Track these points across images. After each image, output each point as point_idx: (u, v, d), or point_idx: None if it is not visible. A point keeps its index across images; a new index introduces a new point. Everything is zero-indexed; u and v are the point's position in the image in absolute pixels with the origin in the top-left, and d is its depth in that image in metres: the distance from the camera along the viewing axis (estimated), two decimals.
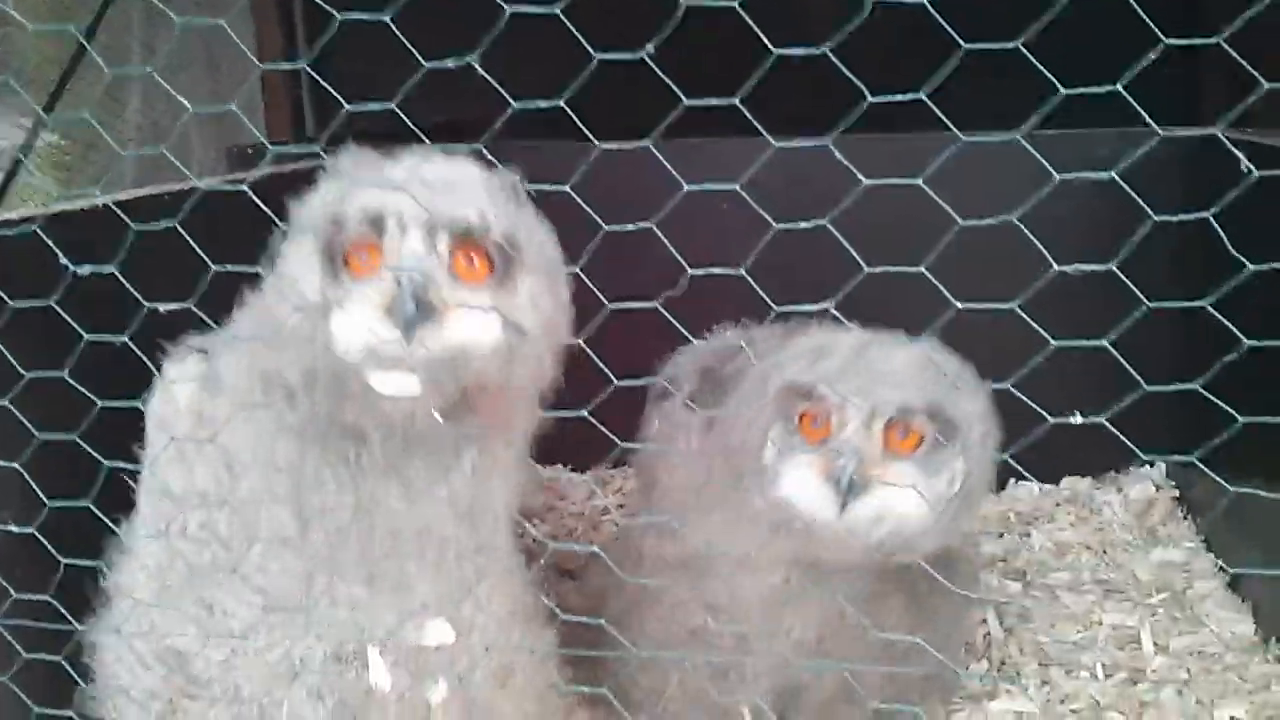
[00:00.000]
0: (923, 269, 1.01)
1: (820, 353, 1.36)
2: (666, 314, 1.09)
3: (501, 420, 1.23)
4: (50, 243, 1.24)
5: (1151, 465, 2.64)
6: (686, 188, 1.04)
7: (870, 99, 0.98)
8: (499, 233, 1.13)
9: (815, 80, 1.14)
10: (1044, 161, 1.01)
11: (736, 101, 1.01)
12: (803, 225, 1.04)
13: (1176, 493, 2.55)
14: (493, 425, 1.22)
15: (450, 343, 1.10)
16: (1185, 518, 2.46)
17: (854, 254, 1.01)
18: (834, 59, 0.97)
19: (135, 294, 1.18)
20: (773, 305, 1.12)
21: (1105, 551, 2.33)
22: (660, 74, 1.05)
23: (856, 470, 1.27)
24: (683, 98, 1.02)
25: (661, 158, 1.10)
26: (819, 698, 1.52)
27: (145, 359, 1.26)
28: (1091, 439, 1.19)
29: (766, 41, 0.98)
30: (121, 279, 1.18)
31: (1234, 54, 0.98)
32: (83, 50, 2.58)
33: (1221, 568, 2.20)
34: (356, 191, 1.12)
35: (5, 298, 1.28)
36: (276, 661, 1.25)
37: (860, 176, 1.01)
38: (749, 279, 1.05)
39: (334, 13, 1.14)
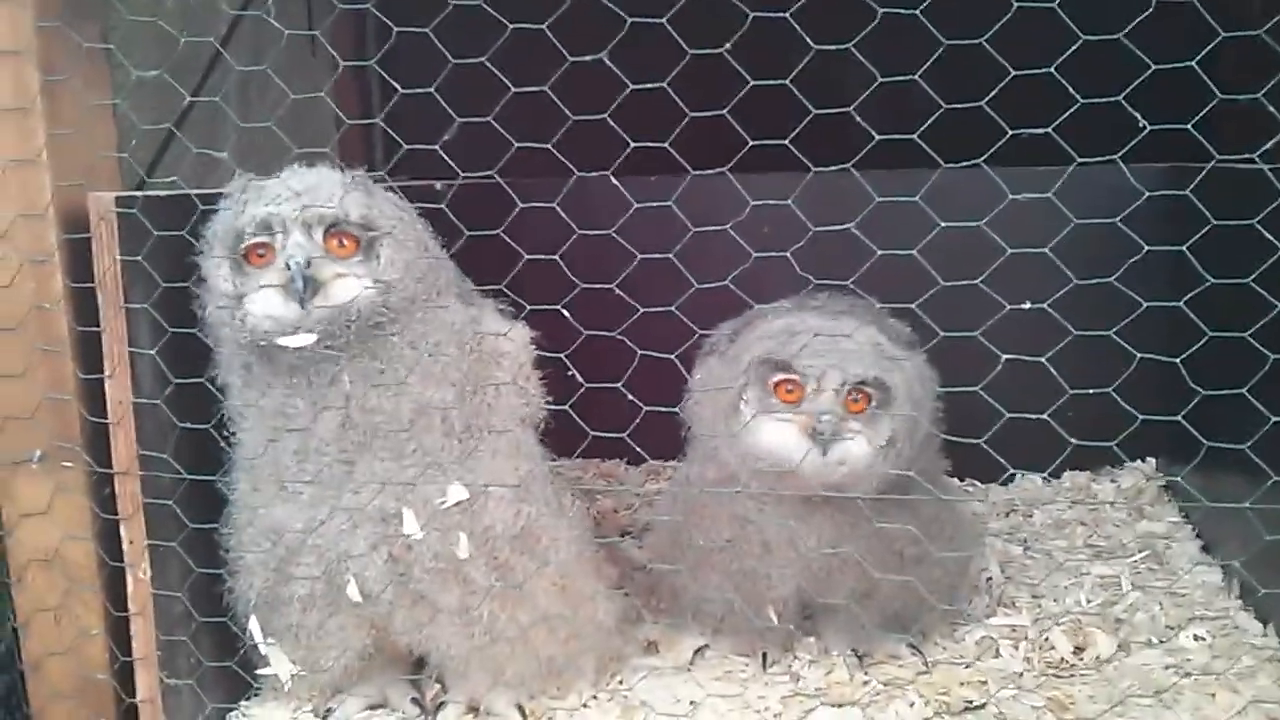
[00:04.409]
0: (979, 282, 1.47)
1: (790, 333, 1.76)
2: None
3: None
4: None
5: (1144, 461, 2.98)
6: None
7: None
8: (356, 217, 1.55)
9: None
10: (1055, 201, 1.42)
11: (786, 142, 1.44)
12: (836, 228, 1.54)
13: (1164, 481, 2.88)
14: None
15: (334, 303, 1.52)
16: (1170, 501, 2.79)
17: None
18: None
19: None
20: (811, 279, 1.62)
21: (1098, 526, 2.66)
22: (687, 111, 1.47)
23: (833, 427, 1.69)
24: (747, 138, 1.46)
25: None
26: (838, 600, 1.87)
27: None
28: (1091, 436, 1.54)
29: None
30: None
31: None
32: (184, 115, 2.97)
33: (1198, 534, 2.53)
34: (250, 208, 1.55)
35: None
36: (341, 521, 1.60)
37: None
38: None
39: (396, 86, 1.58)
